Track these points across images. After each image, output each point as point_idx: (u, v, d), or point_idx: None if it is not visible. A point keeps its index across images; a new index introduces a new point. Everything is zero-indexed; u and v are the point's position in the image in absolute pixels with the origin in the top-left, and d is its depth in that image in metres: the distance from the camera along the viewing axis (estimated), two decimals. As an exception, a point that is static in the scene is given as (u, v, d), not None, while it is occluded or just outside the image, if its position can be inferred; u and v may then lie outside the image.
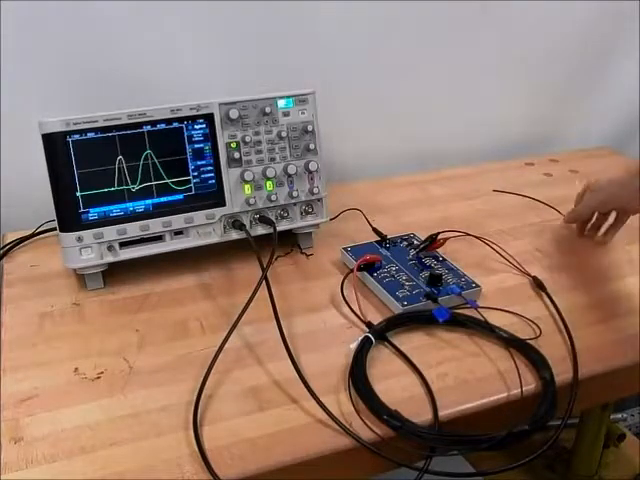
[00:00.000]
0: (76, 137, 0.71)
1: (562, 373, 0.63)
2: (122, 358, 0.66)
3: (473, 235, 0.86)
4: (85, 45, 0.89)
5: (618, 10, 1.17)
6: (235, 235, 0.80)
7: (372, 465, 0.58)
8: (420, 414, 0.58)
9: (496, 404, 0.61)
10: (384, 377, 0.63)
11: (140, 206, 0.75)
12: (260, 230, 0.81)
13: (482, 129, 1.21)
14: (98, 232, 0.73)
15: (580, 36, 1.18)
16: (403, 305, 0.71)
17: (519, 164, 1.18)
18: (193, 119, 0.75)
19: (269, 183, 0.80)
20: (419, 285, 0.75)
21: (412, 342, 0.68)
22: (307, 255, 0.86)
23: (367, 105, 1.09)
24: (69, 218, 0.73)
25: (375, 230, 0.89)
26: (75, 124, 0.71)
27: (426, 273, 0.77)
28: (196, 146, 0.76)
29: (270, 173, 0.79)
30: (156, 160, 0.75)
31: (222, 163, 0.77)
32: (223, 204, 0.78)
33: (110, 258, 0.75)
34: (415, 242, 0.85)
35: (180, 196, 0.77)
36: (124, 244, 0.76)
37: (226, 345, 0.64)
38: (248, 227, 0.79)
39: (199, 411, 0.58)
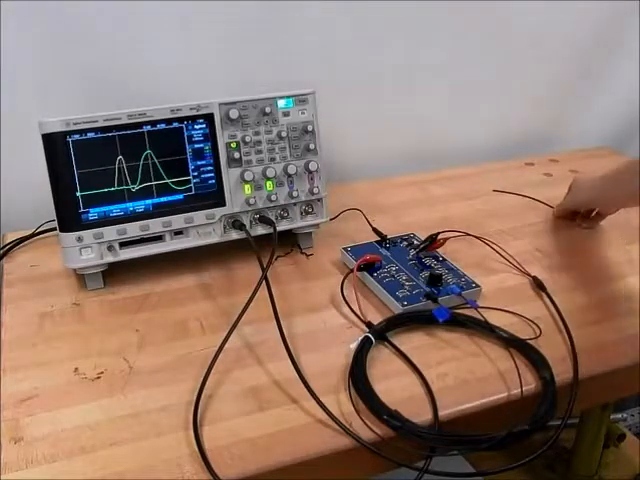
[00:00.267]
0: (76, 137, 0.71)
1: (562, 373, 0.63)
2: (122, 358, 0.66)
3: (473, 235, 0.86)
4: (85, 45, 0.89)
5: (618, 10, 1.17)
6: (235, 235, 0.80)
7: (372, 465, 0.58)
8: (420, 414, 0.58)
9: (496, 404, 0.61)
10: (384, 377, 0.63)
11: (140, 206, 0.75)
12: (260, 230, 0.81)
13: (482, 129, 1.21)
14: (98, 232, 0.73)
15: (580, 36, 1.18)
16: (403, 305, 0.71)
17: (519, 164, 1.18)
18: (193, 119, 0.75)
19: (269, 183, 0.80)
20: (419, 285, 0.75)
21: (412, 342, 0.68)
22: (307, 255, 0.86)
23: (367, 105, 1.09)
24: (69, 218, 0.73)
25: (375, 230, 0.89)
26: (75, 124, 0.71)
27: (426, 273, 0.77)
28: (196, 146, 0.76)
29: (270, 173, 0.79)
30: (156, 160, 0.75)
31: (222, 163, 0.77)
32: (223, 204, 0.78)
33: (110, 258, 0.75)
34: (415, 242, 0.85)
35: (180, 196, 0.77)
36: (124, 244, 0.76)
37: (226, 345, 0.64)
38: (248, 227, 0.79)
39: (199, 411, 0.58)
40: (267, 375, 0.63)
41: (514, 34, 1.14)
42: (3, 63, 0.85)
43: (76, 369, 0.64)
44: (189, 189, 0.77)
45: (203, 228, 0.78)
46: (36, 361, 0.65)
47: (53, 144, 0.71)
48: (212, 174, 0.77)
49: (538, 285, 0.78)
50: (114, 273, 0.78)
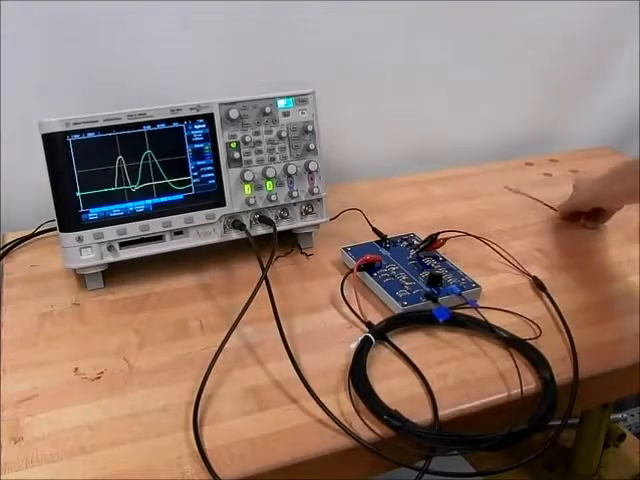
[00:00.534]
0: (76, 137, 0.71)
1: (562, 373, 0.63)
2: (122, 358, 0.66)
3: (473, 235, 0.86)
4: (85, 45, 0.89)
5: (618, 10, 1.17)
6: (235, 235, 0.80)
7: (372, 465, 0.58)
8: (420, 414, 0.58)
9: (496, 404, 0.61)
10: (384, 377, 0.63)
11: (140, 206, 0.75)
12: (260, 230, 0.81)
13: (482, 129, 1.21)
14: (98, 232, 0.73)
15: (580, 36, 1.18)
16: (403, 305, 0.71)
17: (519, 164, 1.18)
18: (193, 119, 0.75)
19: (269, 183, 0.80)
20: (419, 285, 0.75)
21: (412, 342, 0.68)
22: (307, 255, 0.86)
23: (367, 105, 1.09)
24: (69, 218, 0.73)
25: (375, 230, 0.89)
26: (75, 124, 0.71)
27: (426, 273, 0.77)
28: (196, 146, 0.76)
29: (270, 173, 0.79)
30: (156, 160, 0.75)
31: (222, 163, 0.77)
32: (223, 204, 0.78)
33: (110, 258, 0.75)
34: (415, 242, 0.85)
35: (180, 196, 0.77)
36: (124, 244, 0.76)
37: (226, 345, 0.64)
38: (248, 227, 0.79)
39: (199, 411, 0.58)
40: (267, 375, 0.63)
41: (514, 34, 1.14)
42: (3, 63, 0.85)
43: (76, 369, 0.64)
44: (189, 189, 0.77)
45: (203, 228, 0.78)
46: (36, 361, 0.65)
47: (53, 144, 0.71)
48: (212, 174, 0.77)
49: (538, 285, 0.78)
50: (114, 273, 0.78)
